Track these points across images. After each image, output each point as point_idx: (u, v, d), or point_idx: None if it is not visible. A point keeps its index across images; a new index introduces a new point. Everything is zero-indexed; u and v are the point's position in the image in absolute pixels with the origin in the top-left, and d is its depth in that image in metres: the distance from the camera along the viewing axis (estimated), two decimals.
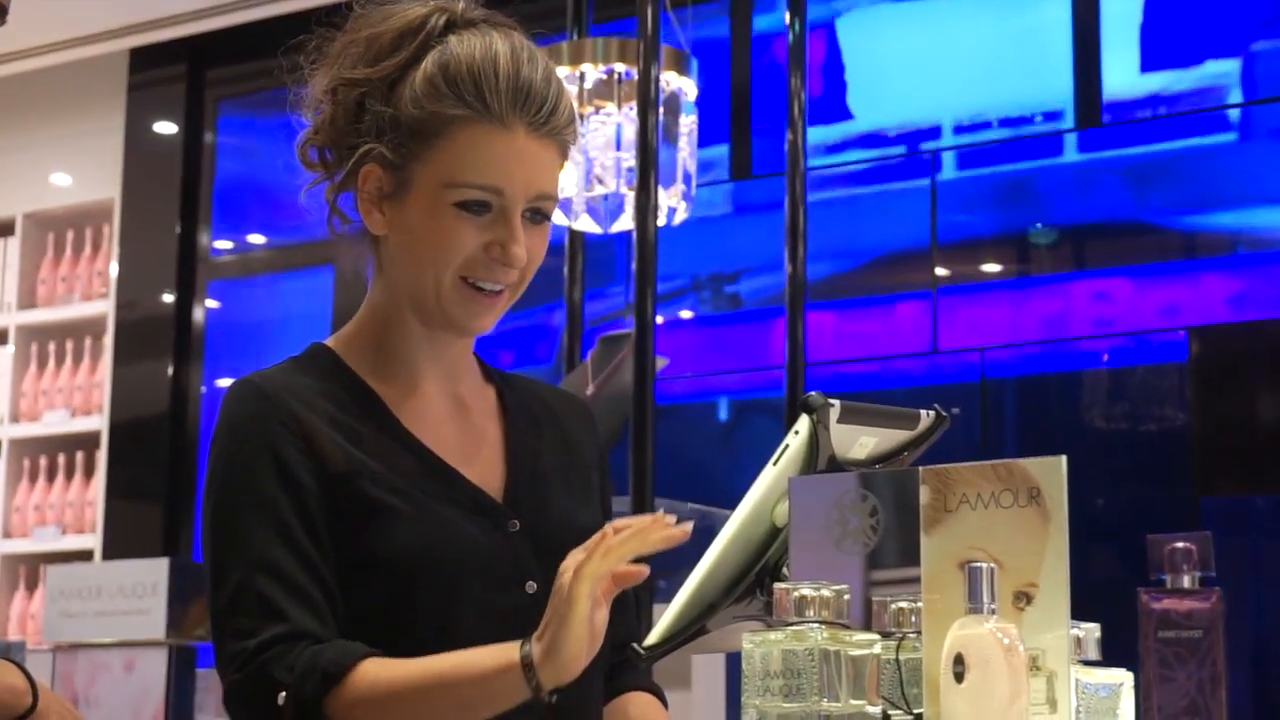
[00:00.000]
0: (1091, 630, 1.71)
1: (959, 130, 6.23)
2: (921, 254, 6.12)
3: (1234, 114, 5.89)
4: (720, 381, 6.65)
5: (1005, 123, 6.16)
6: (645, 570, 1.67)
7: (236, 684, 1.77)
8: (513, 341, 6.68)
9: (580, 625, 1.63)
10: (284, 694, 1.72)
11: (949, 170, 6.24)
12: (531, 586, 1.87)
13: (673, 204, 4.35)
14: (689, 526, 1.66)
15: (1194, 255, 5.81)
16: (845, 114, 6.50)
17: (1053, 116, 6.06)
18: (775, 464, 1.94)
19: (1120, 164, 5.98)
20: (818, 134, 6.07)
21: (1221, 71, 5.86)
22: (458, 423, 1.97)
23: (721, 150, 6.46)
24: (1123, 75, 5.96)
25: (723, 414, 6.77)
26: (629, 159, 4.23)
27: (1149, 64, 5.98)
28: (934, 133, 6.23)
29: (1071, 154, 6.11)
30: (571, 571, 1.64)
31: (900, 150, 6.31)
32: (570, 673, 1.66)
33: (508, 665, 1.67)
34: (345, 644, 1.77)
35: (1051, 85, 6.01)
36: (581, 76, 4.31)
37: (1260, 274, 5.60)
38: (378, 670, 1.74)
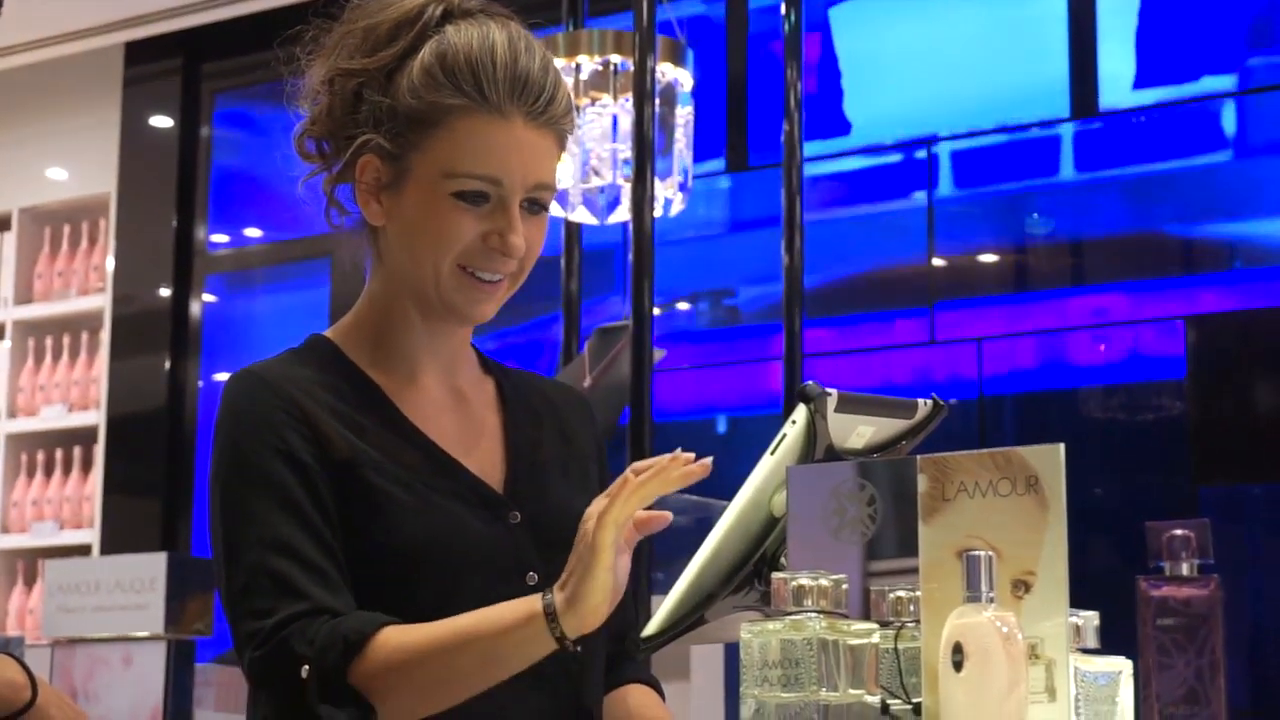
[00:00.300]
0: (1090, 618, 1.71)
1: (956, 141, 6.24)
2: (918, 270, 6.13)
3: (1230, 130, 5.89)
4: (718, 399, 6.66)
5: (1002, 133, 6.17)
6: (668, 516, 1.67)
7: (257, 661, 1.77)
8: (513, 357, 6.68)
9: (605, 573, 1.63)
10: (306, 667, 1.72)
11: (946, 187, 6.24)
12: (532, 578, 1.87)
13: (669, 195, 4.35)
14: (709, 461, 1.65)
15: (1191, 270, 5.82)
16: (843, 128, 6.50)
17: (1049, 127, 6.08)
18: (773, 453, 1.94)
19: (1117, 181, 5.99)
20: (814, 148, 6.07)
21: (1217, 87, 5.87)
22: (457, 414, 1.97)
23: (718, 164, 6.48)
24: (1118, 92, 5.97)
25: (720, 429, 6.77)
26: (625, 150, 4.23)
27: (1144, 80, 5.99)
28: (931, 142, 6.23)
29: (1068, 171, 6.11)
30: (595, 519, 1.63)
31: (897, 158, 6.31)
32: (593, 621, 1.65)
33: (530, 615, 1.67)
34: (365, 613, 1.76)
35: (1048, 96, 6.02)
36: (577, 68, 4.30)
37: (1257, 291, 5.59)
38: (399, 635, 1.73)
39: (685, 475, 1.64)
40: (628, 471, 1.64)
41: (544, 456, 2.01)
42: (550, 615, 1.65)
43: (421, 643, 1.73)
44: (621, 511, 1.63)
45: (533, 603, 1.67)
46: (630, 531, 1.65)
